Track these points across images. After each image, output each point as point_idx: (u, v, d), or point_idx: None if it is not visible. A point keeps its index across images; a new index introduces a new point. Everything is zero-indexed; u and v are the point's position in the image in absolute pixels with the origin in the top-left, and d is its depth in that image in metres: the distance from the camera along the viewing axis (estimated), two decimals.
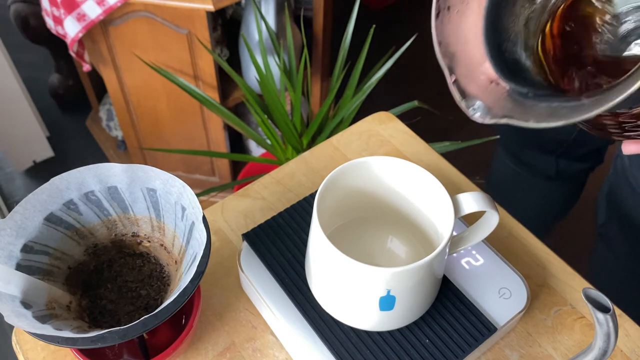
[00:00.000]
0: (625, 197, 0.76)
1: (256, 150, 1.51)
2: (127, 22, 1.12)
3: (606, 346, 0.36)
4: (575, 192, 1.10)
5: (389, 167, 0.46)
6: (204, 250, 0.41)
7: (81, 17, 1.09)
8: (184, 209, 0.45)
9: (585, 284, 0.53)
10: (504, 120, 0.35)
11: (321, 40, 1.35)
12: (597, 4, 0.40)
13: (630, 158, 0.73)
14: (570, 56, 0.41)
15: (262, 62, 1.14)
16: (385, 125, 0.66)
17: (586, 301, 0.34)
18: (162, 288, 0.47)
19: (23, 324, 0.38)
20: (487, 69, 0.38)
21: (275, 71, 1.26)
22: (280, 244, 0.50)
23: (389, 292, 0.41)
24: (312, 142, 1.18)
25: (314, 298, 0.47)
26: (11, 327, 0.44)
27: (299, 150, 1.16)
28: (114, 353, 0.49)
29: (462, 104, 0.38)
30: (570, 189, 1.08)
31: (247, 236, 0.51)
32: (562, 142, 0.93)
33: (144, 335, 0.46)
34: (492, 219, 0.44)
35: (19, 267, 0.42)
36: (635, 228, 0.77)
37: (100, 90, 1.55)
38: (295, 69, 1.15)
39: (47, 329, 0.38)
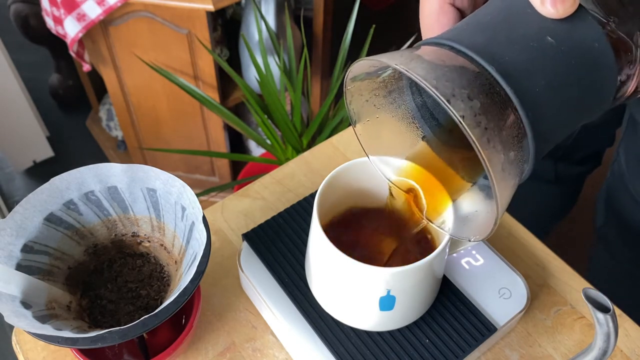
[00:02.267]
0: (623, 201, 0.76)
1: (256, 150, 1.51)
2: (127, 22, 1.13)
3: (606, 346, 0.36)
4: (573, 195, 1.10)
5: (388, 167, 0.46)
6: (204, 250, 0.41)
7: (81, 17, 1.09)
8: (184, 209, 0.45)
9: (585, 284, 0.53)
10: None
11: (321, 40, 1.35)
12: None
13: (627, 162, 0.73)
14: None
15: (262, 62, 1.14)
16: None
17: (586, 301, 0.34)
18: (162, 288, 0.47)
19: (23, 324, 0.38)
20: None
21: (275, 71, 1.26)
22: (280, 244, 0.50)
23: (389, 292, 0.41)
24: (312, 142, 1.18)
25: (314, 298, 0.47)
26: (11, 327, 0.44)
27: (299, 150, 1.16)
28: (114, 353, 0.49)
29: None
30: (569, 192, 1.08)
31: (247, 236, 0.51)
32: (561, 146, 0.93)
33: (144, 335, 0.46)
34: None
35: (19, 267, 0.42)
36: (632, 231, 0.77)
37: (100, 90, 1.55)
38: (295, 69, 1.15)
39: (47, 329, 0.38)
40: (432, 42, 0.32)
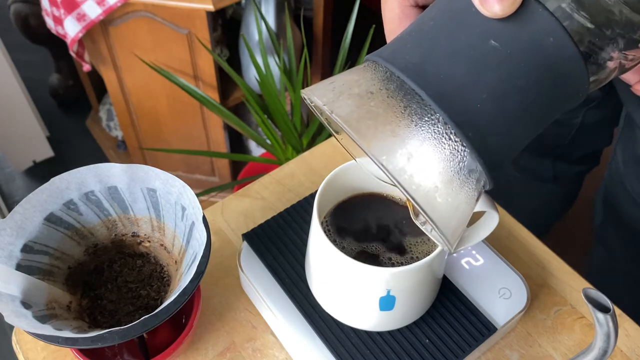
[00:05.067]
0: (620, 199, 0.76)
1: (256, 150, 1.51)
2: (127, 22, 1.12)
3: (606, 346, 0.36)
4: (572, 194, 1.10)
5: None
6: (204, 250, 0.41)
7: (81, 17, 1.09)
8: (184, 209, 0.45)
9: (585, 284, 0.53)
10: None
11: (321, 40, 1.35)
12: None
13: (624, 161, 0.73)
14: None
15: (262, 62, 1.14)
16: None
17: (586, 301, 0.34)
18: (162, 288, 0.47)
19: (23, 324, 0.38)
20: None
21: (275, 71, 1.26)
22: (280, 244, 0.50)
23: (389, 292, 0.41)
24: (312, 142, 1.18)
25: (314, 298, 0.47)
26: (11, 327, 0.44)
27: (299, 150, 1.16)
28: (114, 353, 0.49)
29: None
30: (567, 191, 1.08)
31: (247, 236, 0.51)
32: (559, 146, 0.93)
33: (144, 335, 0.46)
34: (492, 219, 0.44)
35: (19, 267, 0.42)
36: (630, 229, 0.77)
37: (100, 90, 1.55)
38: (295, 69, 1.15)
39: (47, 329, 0.38)
40: (372, 60, 0.31)
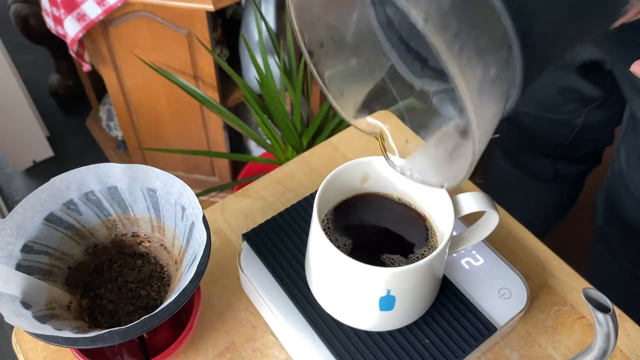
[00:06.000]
0: (623, 200, 0.76)
1: (256, 150, 1.51)
2: (127, 22, 1.12)
3: (606, 346, 0.36)
4: (573, 194, 1.10)
5: (389, 167, 0.46)
6: (204, 250, 0.41)
7: (81, 17, 1.09)
8: (184, 209, 0.45)
9: (585, 284, 0.53)
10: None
11: None
12: None
13: (627, 161, 0.73)
14: None
15: (262, 62, 1.14)
16: None
17: (586, 301, 0.34)
18: (162, 288, 0.47)
19: (23, 324, 0.38)
20: None
21: (275, 71, 1.26)
22: (280, 244, 0.50)
23: (389, 292, 0.41)
24: (312, 142, 1.18)
25: (314, 298, 0.47)
26: (11, 327, 0.44)
27: (299, 150, 1.16)
28: (114, 353, 0.49)
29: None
30: (568, 191, 1.08)
31: (247, 236, 0.51)
32: (560, 145, 0.93)
33: (144, 335, 0.46)
34: (492, 219, 0.44)
35: (19, 267, 0.42)
36: (632, 230, 0.77)
37: (100, 90, 1.55)
38: (295, 69, 1.15)
39: (47, 329, 0.38)
40: None
